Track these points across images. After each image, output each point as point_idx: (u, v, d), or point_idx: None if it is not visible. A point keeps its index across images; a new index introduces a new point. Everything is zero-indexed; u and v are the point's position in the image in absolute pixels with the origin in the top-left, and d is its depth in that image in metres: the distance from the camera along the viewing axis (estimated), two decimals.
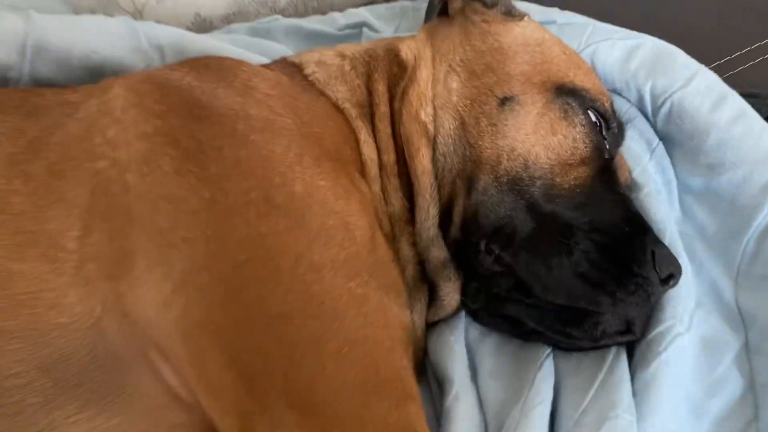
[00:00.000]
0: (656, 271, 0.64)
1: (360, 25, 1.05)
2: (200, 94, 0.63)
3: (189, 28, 1.08)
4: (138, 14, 1.04)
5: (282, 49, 0.96)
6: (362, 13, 1.08)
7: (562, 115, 0.70)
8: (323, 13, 1.13)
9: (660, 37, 0.93)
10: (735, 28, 1.08)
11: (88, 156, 0.57)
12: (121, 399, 0.55)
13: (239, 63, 0.70)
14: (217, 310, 0.53)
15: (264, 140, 0.60)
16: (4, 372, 0.52)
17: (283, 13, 1.17)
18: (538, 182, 0.67)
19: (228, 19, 1.13)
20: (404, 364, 0.57)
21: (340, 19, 1.07)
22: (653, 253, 0.65)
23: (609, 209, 0.68)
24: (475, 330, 0.72)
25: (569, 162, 0.69)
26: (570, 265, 0.63)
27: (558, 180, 0.68)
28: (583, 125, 0.71)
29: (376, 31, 1.04)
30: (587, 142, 0.70)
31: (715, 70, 1.00)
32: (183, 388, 0.56)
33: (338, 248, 0.57)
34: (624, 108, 0.88)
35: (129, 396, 0.55)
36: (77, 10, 0.99)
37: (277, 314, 0.53)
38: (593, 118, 0.71)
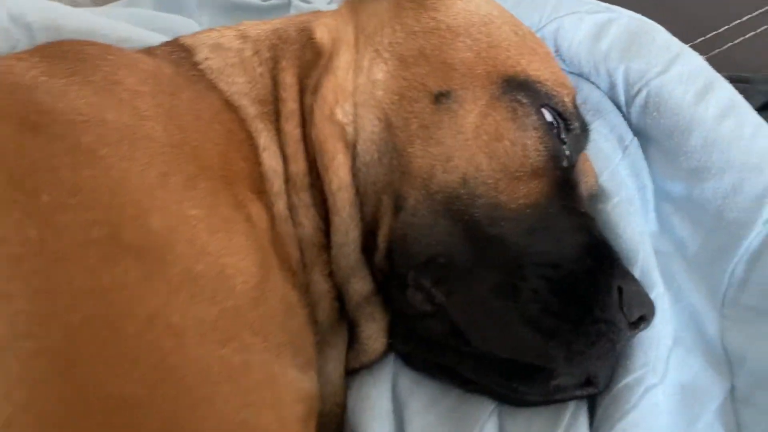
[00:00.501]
0: (623, 313, 0.52)
1: (287, 1, 0.90)
2: (44, 93, 0.48)
3: (96, 3, 0.92)
4: None
5: (191, 26, 0.81)
6: None
7: (510, 115, 0.56)
8: None
9: (637, 9, 0.80)
10: (716, 3, 0.95)
11: None
12: None
13: (106, 50, 0.56)
14: (44, 390, 0.40)
15: (118, 156, 0.46)
16: None
17: None
18: (480, 201, 0.54)
19: None
20: None
21: None
22: (620, 290, 0.52)
23: (567, 235, 0.54)
24: (406, 378, 0.59)
25: (518, 175, 0.55)
26: (516, 311, 0.50)
27: (504, 198, 0.54)
28: (536, 128, 0.57)
29: (307, 2, 0.89)
30: (541, 149, 0.57)
31: (700, 46, 0.88)
32: None
33: (208, 303, 0.43)
34: (592, 96, 0.75)
35: None
36: None
37: (120, 400, 0.40)
38: (549, 118, 0.58)
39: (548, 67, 0.62)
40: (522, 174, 0.56)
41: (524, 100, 0.57)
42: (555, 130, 0.58)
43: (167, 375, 0.40)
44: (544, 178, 0.56)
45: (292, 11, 0.88)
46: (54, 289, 0.41)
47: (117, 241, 0.42)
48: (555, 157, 0.57)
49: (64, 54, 0.54)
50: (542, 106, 0.58)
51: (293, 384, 0.47)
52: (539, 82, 0.59)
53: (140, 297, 0.42)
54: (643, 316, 0.53)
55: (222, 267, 0.45)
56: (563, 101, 0.60)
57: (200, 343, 0.42)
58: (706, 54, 0.90)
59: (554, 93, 0.59)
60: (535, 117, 0.57)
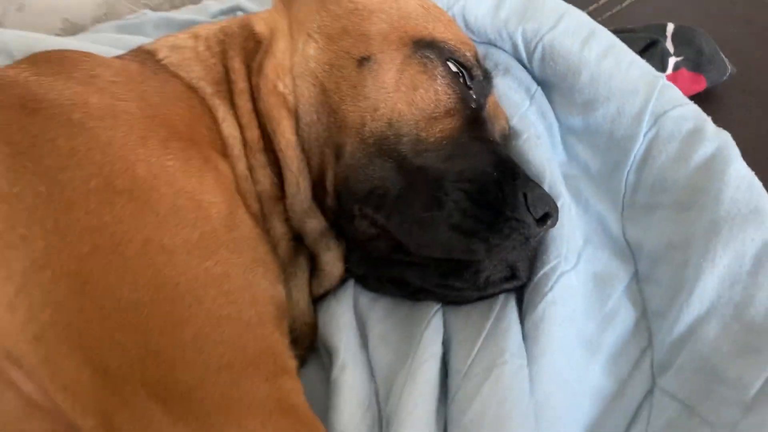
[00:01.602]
0: (530, 212, 0.63)
1: (233, 10, 1.03)
2: (36, 87, 0.59)
3: (59, 35, 1.03)
4: None
5: None
6: None
7: (421, 69, 0.68)
8: (197, 3, 1.09)
9: None
10: None
11: None
12: None
13: (82, 54, 0.67)
14: (65, 306, 0.50)
15: (103, 126, 0.56)
16: None
17: (159, 8, 1.14)
18: (404, 139, 0.66)
19: (99, 21, 1.09)
20: (275, 339, 0.55)
21: (213, 5, 1.04)
22: (525, 194, 0.63)
23: (478, 158, 0.66)
24: (365, 297, 0.71)
25: (433, 115, 0.67)
26: (442, 218, 0.61)
27: (423, 135, 0.66)
28: (444, 76, 0.69)
29: (250, 12, 1.01)
30: (450, 93, 0.69)
31: (595, 12, 1.01)
32: (40, 394, 0.53)
33: (191, 228, 0.54)
34: (501, 58, 0.88)
35: None
36: None
37: (128, 303, 0.50)
38: (454, 69, 0.70)
39: (450, 30, 0.74)
40: (437, 114, 0.68)
41: (432, 56, 0.69)
42: (461, 78, 0.70)
43: (163, 282, 0.51)
44: (456, 117, 0.68)
45: None
46: (64, 229, 0.51)
47: (111, 187, 0.53)
48: (463, 99, 0.69)
49: (48, 59, 0.65)
50: (447, 60, 0.70)
51: (266, 291, 0.58)
52: (443, 41, 0.71)
53: (135, 226, 0.52)
54: (547, 213, 0.64)
55: (199, 201, 0.56)
56: (465, 55, 0.72)
57: (187, 258, 0.53)
58: (600, 17, 1.04)
59: (456, 49, 0.71)
60: (441, 68, 0.69)
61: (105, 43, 0.89)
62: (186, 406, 0.49)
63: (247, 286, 0.55)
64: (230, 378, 0.50)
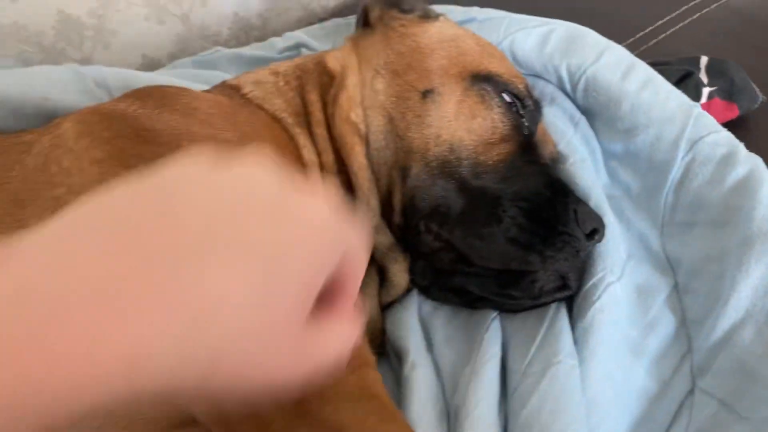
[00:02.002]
0: (580, 227, 0.70)
1: (298, 47, 1.12)
2: (145, 119, 0.68)
3: (138, 69, 1.14)
4: (86, 62, 1.10)
5: (225, 78, 1.02)
6: (299, 35, 1.15)
7: (479, 100, 0.77)
8: (264, 40, 1.19)
9: (578, 20, 1.00)
10: (642, 7, 1.16)
11: (46, 185, 0.62)
12: None
13: (180, 89, 0.76)
14: None
15: None
16: None
17: (227, 45, 1.24)
18: (465, 162, 0.74)
19: (174, 57, 1.19)
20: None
21: (279, 43, 1.14)
22: (575, 211, 0.71)
23: (532, 179, 0.74)
24: (428, 306, 0.78)
25: (490, 141, 0.75)
26: (500, 232, 0.69)
27: (482, 158, 0.74)
28: (500, 106, 0.77)
29: (313, 50, 1.10)
30: (505, 121, 0.77)
31: (631, 45, 1.08)
32: None
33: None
34: (547, 90, 0.96)
35: None
36: (29, 66, 1.04)
37: None
38: (508, 99, 0.78)
39: (503, 65, 0.83)
40: (493, 140, 0.76)
41: (488, 88, 0.78)
42: (514, 108, 0.79)
43: None
44: (510, 142, 0.76)
45: None
46: None
47: None
48: (516, 127, 0.78)
49: (150, 93, 0.74)
50: (502, 92, 0.78)
51: None
52: (498, 75, 0.79)
53: None
54: (595, 229, 0.72)
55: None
56: (518, 87, 0.80)
57: None
58: (636, 50, 1.11)
59: (510, 81, 0.79)
60: (497, 99, 0.78)
61: (185, 78, 0.98)
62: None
63: None
64: None
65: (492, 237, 0.69)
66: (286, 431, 0.54)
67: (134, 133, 0.66)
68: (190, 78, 0.99)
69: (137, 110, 0.70)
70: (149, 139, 0.66)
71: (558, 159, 0.86)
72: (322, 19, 1.30)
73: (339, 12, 1.34)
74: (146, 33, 1.16)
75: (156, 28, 1.16)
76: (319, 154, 0.78)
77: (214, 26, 1.24)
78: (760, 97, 0.97)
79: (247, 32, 1.28)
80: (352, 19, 1.06)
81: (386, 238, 0.77)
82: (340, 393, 0.56)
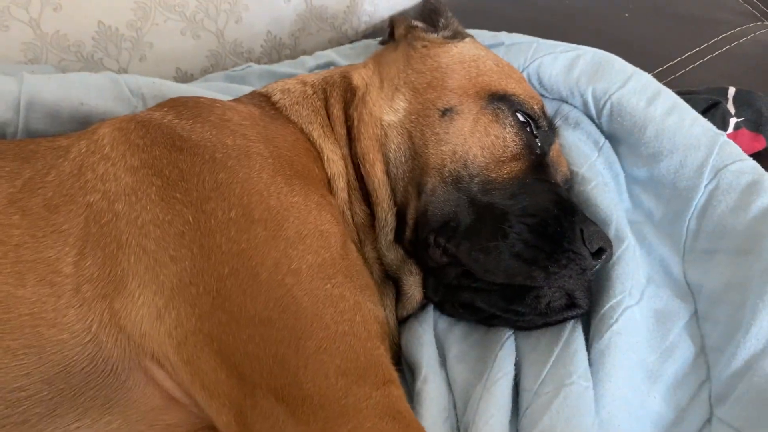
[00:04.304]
0: (586, 246, 0.70)
1: (328, 65, 1.14)
2: (180, 129, 0.70)
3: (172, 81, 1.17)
4: (122, 72, 1.13)
5: None
6: (329, 54, 1.17)
7: (494, 118, 0.78)
8: (295, 58, 1.22)
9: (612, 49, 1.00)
10: (672, 38, 1.16)
11: (81, 190, 0.64)
12: (120, 404, 0.61)
13: (213, 100, 0.78)
14: (206, 318, 0.59)
15: (240, 165, 0.66)
16: (11, 385, 0.58)
17: (259, 62, 1.27)
18: (476, 179, 0.75)
19: (206, 71, 1.23)
20: (381, 353, 0.62)
21: (309, 61, 1.16)
22: (582, 231, 0.71)
23: (540, 196, 0.74)
24: (444, 322, 0.78)
25: (502, 158, 0.76)
26: (505, 247, 0.69)
27: (492, 175, 0.75)
28: (513, 125, 0.78)
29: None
30: (517, 140, 0.78)
31: (659, 75, 1.08)
32: (177, 391, 0.62)
33: (314, 254, 0.63)
34: (572, 114, 0.96)
35: (126, 401, 0.61)
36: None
37: (260, 319, 0.58)
38: (522, 119, 0.79)
39: (520, 86, 0.84)
40: (505, 158, 0.76)
41: (503, 107, 0.79)
42: (528, 128, 0.79)
43: (290, 301, 0.60)
44: (522, 160, 0.77)
45: None
46: (208, 253, 0.61)
47: (249, 217, 0.63)
48: (529, 146, 0.78)
49: (185, 104, 0.76)
50: (517, 111, 0.79)
51: (372, 311, 0.65)
52: (514, 95, 0.81)
53: (268, 252, 0.61)
54: (602, 248, 0.71)
55: (320, 231, 0.65)
56: (532, 108, 0.81)
57: (311, 280, 0.61)
58: (665, 80, 1.11)
59: (525, 102, 0.80)
60: (511, 118, 0.79)
61: (217, 90, 1.01)
62: (308, 409, 0.56)
63: (357, 306, 0.63)
64: (345, 385, 0.57)
65: (497, 251, 0.69)
66: None
67: (169, 142, 0.68)
68: (221, 91, 1.02)
69: (172, 120, 0.71)
70: (184, 149, 0.67)
71: (580, 182, 0.86)
72: (352, 41, 1.33)
73: (370, 34, 1.36)
74: (181, 47, 1.19)
75: (191, 43, 1.20)
76: (341, 168, 0.79)
77: (246, 43, 1.27)
78: None
79: (279, 51, 1.31)
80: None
81: (398, 254, 0.78)
82: (361, 410, 0.56)
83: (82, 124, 0.87)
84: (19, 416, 0.58)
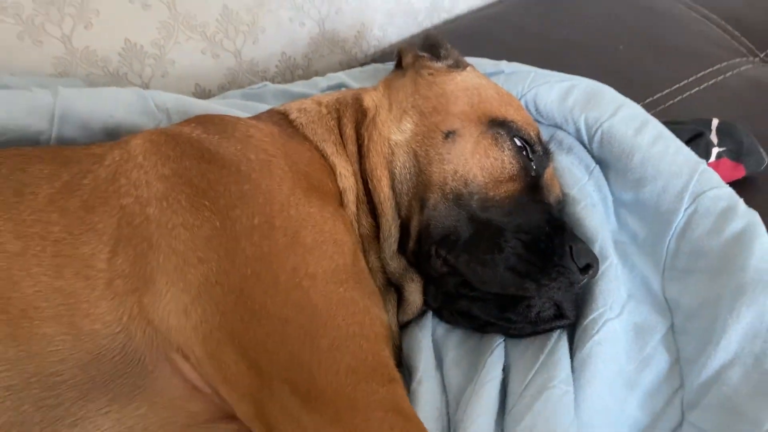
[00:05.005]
0: (575, 261, 0.77)
1: (339, 86, 1.21)
2: (208, 143, 0.76)
3: (191, 97, 1.24)
4: (145, 86, 1.21)
5: None
6: (340, 76, 1.24)
7: (493, 142, 0.85)
8: (308, 79, 1.29)
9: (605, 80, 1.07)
10: (662, 71, 1.24)
11: (115, 194, 0.70)
12: (147, 392, 0.66)
13: (237, 118, 0.84)
14: (229, 315, 0.64)
15: (263, 177, 0.72)
16: (47, 370, 0.62)
17: (273, 80, 1.35)
18: (476, 196, 0.81)
19: (224, 88, 1.30)
20: (387, 354, 0.68)
21: (322, 82, 1.23)
22: (571, 247, 0.77)
23: (534, 215, 0.81)
24: (442, 329, 0.85)
25: (499, 179, 0.83)
26: (501, 260, 0.76)
27: (491, 194, 0.82)
28: (511, 149, 0.85)
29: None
30: (513, 162, 0.84)
31: (648, 106, 1.15)
32: (200, 382, 0.67)
33: (329, 260, 0.69)
34: (566, 140, 1.03)
35: (153, 390, 0.66)
36: (94, 86, 1.15)
37: (279, 318, 0.64)
38: (519, 144, 0.86)
39: (519, 113, 0.91)
40: (502, 178, 0.83)
41: (502, 132, 0.86)
42: (524, 152, 0.86)
43: (307, 303, 0.65)
44: (518, 182, 0.84)
45: None
46: (233, 255, 0.67)
47: (271, 224, 0.69)
48: (524, 168, 0.85)
49: (211, 120, 0.82)
50: (514, 137, 0.86)
51: (378, 315, 0.72)
52: (512, 121, 0.87)
53: (287, 256, 0.67)
54: (589, 264, 0.77)
55: (335, 239, 0.71)
56: (529, 134, 0.88)
57: (326, 284, 0.67)
58: (653, 110, 1.18)
59: (522, 128, 0.87)
60: (510, 143, 0.85)
61: (235, 107, 1.08)
62: (321, 402, 0.61)
63: (366, 310, 0.69)
64: (355, 380, 0.62)
65: (493, 264, 0.76)
66: None
67: (198, 155, 0.74)
68: (239, 108, 1.09)
69: (201, 134, 0.78)
70: (212, 161, 0.73)
71: (570, 202, 0.92)
72: (362, 64, 1.40)
73: (378, 58, 1.44)
74: (201, 65, 1.26)
75: (210, 61, 1.27)
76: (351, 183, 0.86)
77: (262, 63, 1.34)
78: (767, 160, 1.03)
79: (293, 71, 1.38)
80: (390, 65, 1.15)
81: (401, 263, 0.84)
82: (369, 403, 0.62)
83: (111, 135, 0.94)
84: (54, 399, 0.63)
